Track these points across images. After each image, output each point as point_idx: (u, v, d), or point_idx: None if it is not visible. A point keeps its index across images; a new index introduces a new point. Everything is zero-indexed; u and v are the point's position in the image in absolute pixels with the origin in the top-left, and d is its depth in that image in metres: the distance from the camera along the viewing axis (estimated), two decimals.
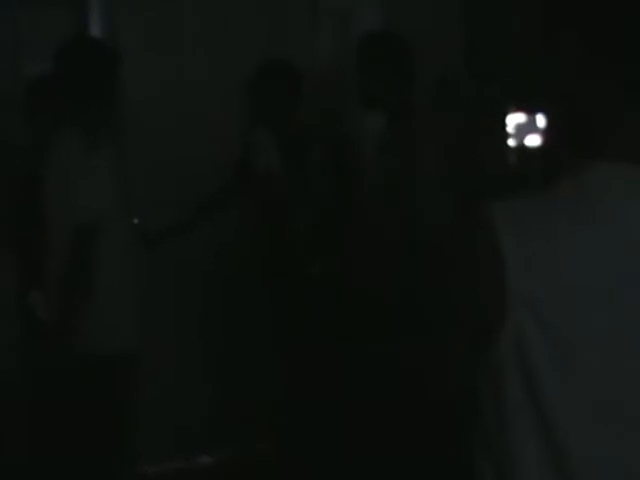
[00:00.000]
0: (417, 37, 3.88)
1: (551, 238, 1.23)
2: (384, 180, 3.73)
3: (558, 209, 1.25)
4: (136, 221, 3.59)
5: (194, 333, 4.58)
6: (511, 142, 4.26)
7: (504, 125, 4.22)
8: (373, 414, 3.60)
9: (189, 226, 4.19)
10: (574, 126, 1.30)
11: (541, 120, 4.09)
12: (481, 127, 4.22)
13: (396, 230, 3.59)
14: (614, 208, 1.23)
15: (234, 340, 4.57)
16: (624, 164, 1.25)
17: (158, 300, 4.18)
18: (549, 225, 1.24)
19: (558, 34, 1.26)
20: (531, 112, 4.14)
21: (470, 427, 1.33)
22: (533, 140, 4.17)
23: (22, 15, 4.50)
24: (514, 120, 4.24)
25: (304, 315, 4.11)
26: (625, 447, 1.23)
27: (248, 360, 4.52)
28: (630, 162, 1.25)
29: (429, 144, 3.62)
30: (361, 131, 4.45)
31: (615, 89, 1.26)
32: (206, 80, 4.56)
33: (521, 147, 4.23)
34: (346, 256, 3.99)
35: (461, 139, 3.86)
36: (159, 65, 4.54)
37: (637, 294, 1.22)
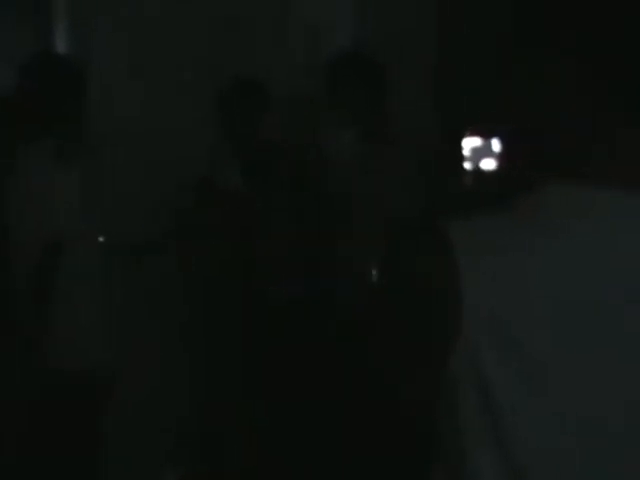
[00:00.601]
0: (389, 51, 3.93)
1: (512, 252, 1.20)
2: (357, 194, 3.78)
3: (519, 224, 1.22)
4: (101, 239, 3.61)
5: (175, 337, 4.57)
6: (466, 165, 4.34)
7: (460, 148, 4.30)
8: (365, 415, 3.62)
9: (163, 245, 4.21)
10: (540, 142, 1.26)
11: (496, 144, 4.18)
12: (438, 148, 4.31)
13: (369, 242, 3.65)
14: (576, 223, 1.20)
15: (214, 344, 4.53)
16: (585, 180, 1.22)
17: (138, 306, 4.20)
18: (510, 240, 1.21)
19: (557, 37, 1.21)
20: (487, 136, 4.22)
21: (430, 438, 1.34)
22: (488, 164, 4.26)
23: None
24: (470, 144, 4.33)
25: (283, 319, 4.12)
26: (596, 463, 1.20)
27: (229, 362, 4.47)
28: (597, 177, 1.21)
29: (402, 159, 3.68)
30: (332, 147, 4.49)
31: (604, 99, 1.22)
32: (174, 97, 4.56)
33: (477, 170, 4.31)
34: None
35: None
36: (127, 82, 4.55)
37: (614, 306, 1.19)
